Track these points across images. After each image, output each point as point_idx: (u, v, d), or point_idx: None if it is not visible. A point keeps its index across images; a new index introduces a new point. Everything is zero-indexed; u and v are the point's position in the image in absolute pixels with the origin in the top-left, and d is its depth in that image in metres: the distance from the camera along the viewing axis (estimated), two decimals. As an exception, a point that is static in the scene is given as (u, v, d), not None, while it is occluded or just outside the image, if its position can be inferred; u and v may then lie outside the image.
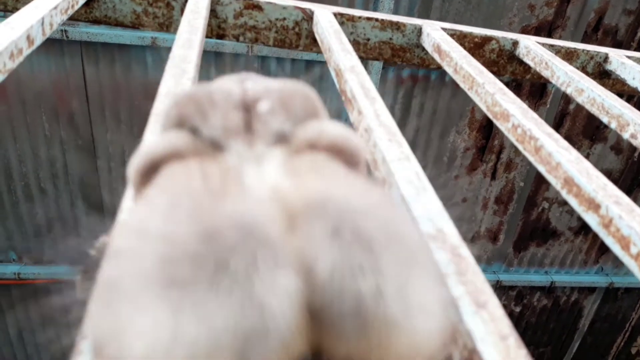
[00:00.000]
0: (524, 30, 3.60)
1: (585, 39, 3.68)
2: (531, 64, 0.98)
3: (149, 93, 3.49)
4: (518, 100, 0.70)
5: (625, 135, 0.72)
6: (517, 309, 5.01)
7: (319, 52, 0.91)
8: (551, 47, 1.05)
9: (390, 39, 1.00)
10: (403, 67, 3.61)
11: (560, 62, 0.91)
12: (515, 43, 1.04)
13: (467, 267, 0.37)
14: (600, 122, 3.98)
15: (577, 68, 1.05)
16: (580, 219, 4.40)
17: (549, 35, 3.66)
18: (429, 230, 0.40)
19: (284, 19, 0.96)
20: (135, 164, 0.27)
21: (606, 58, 1.06)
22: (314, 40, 0.97)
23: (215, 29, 0.95)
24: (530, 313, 5.05)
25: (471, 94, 0.77)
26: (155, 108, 0.51)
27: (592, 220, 0.50)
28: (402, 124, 3.80)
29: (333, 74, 0.73)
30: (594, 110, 0.79)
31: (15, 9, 0.89)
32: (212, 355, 0.17)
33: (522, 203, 4.38)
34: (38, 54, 3.34)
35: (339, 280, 0.19)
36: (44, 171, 3.74)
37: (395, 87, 3.70)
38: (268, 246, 0.19)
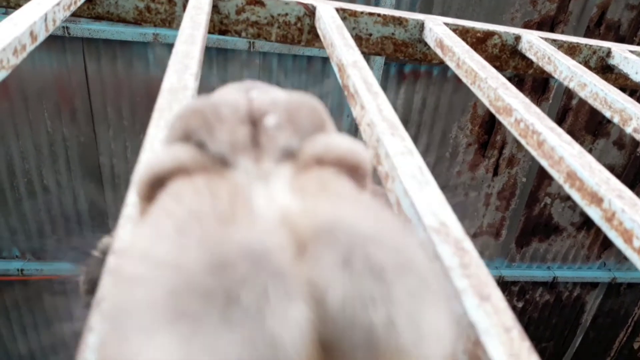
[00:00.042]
0: (526, 25, 3.59)
1: (587, 34, 3.67)
2: (534, 58, 0.98)
3: (151, 89, 3.49)
4: (521, 94, 0.70)
5: (628, 130, 0.72)
6: (520, 305, 5.01)
7: (321, 47, 0.91)
8: (554, 42, 1.05)
9: (393, 34, 1.00)
10: (405, 63, 3.61)
11: (563, 56, 0.91)
12: (517, 38, 1.04)
13: (471, 261, 0.37)
14: (603, 117, 3.97)
15: (580, 63, 1.05)
16: (582, 214, 4.41)
17: (552, 30, 3.65)
18: (433, 223, 0.40)
19: (286, 14, 0.96)
20: (140, 176, 0.27)
21: (609, 53, 1.06)
22: (316, 35, 0.97)
23: (218, 24, 0.95)
24: (532, 308, 5.06)
25: (474, 89, 0.77)
26: (158, 104, 0.51)
27: (594, 214, 0.51)
28: (404, 120, 3.80)
29: (335, 69, 0.73)
30: (596, 105, 0.79)
31: (18, 6, 0.89)
32: None
33: (524, 198, 4.38)
34: (40, 50, 3.34)
35: (350, 311, 0.19)
36: (47, 168, 3.75)
37: (397, 82, 3.70)
38: (279, 277, 0.19)
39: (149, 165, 0.27)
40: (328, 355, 0.20)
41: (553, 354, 5.45)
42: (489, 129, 3.98)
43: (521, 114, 0.64)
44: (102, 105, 3.56)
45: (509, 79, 0.74)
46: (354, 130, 3.84)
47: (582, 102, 3.90)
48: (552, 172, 0.57)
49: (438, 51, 0.92)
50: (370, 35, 1.00)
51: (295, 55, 3.51)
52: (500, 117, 0.69)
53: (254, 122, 0.27)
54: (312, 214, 0.22)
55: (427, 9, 3.45)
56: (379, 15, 0.99)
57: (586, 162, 0.54)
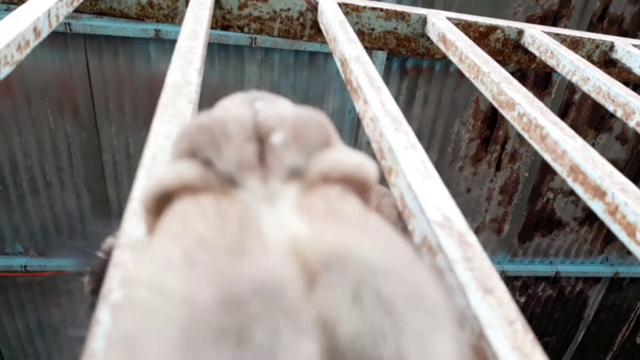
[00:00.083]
0: (529, 20, 3.57)
1: (590, 28, 3.66)
2: (536, 53, 0.98)
3: (153, 85, 3.50)
4: (523, 89, 0.70)
5: (631, 124, 0.72)
6: (522, 299, 5.01)
7: (324, 42, 0.91)
8: (556, 36, 1.04)
9: (395, 28, 1.00)
10: (407, 58, 3.60)
11: (566, 50, 0.91)
12: (520, 32, 1.04)
13: (474, 254, 0.37)
14: (606, 112, 3.96)
15: (583, 57, 1.04)
16: (585, 209, 4.40)
17: (554, 25, 3.64)
18: (436, 217, 0.40)
19: (289, 9, 0.96)
20: (147, 190, 0.27)
21: (612, 47, 1.05)
22: (319, 30, 0.97)
23: (220, 20, 0.95)
24: (535, 303, 5.06)
25: (476, 83, 0.77)
26: (162, 99, 0.51)
27: (597, 207, 0.51)
28: (406, 115, 3.78)
29: (338, 63, 0.73)
30: (599, 99, 0.79)
31: (21, 2, 0.89)
32: None
33: (526, 193, 4.38)
34: (42, 47, 3.34)
35: (360, 346, 0.19)
36: (49, 164, 3.76)
37: (399, 77, 3.69)
38: (290, 314, 0.19)
39: (156, 180, 0.27)
40: None
41: (555, 348, 5.46)
42: (492, 124, 3.97)
43: (524, 108, 0.64)
44: (104, 101, 3.56)
45: (512, 74, 0.74)
46: (355, 126, 3.83)
47: (585, 97, 3.89)
48: (555, 166, 0.57)
49: (441, 46, 0.92)
50: (373, 30, 1.00)
51: (297, 50, 3.50)
52: (503, 112, 0.69)
53: (261, 139, 0.27)
54: (320, 242, 0.22)
55: (430, 4, 3.44)
56: (381, 9, 0.99)
57: (589, 156, 0.54)
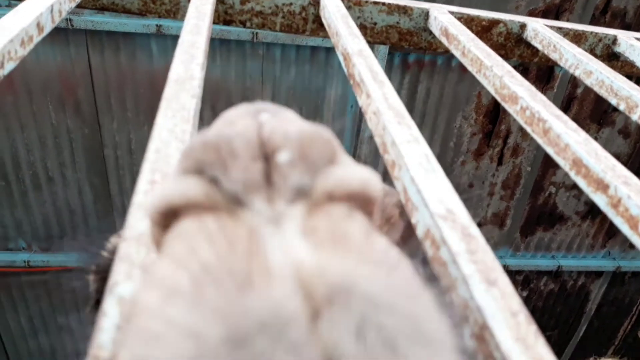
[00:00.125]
0: (531, 14, 3.56)
1: (593, 22, 3.65)
2: (539, 46, 0.98)
3: (155, 81, 3.49)
4: (526, 82, 0.70)
5: (634, 117, 0.72)
6: (524, 294, 5.02)
7: (326, 37, 0.91)
8: (559, 30, 1.04)
9: (397, 22, 1.00)
10: (409, 52, 3.59)
11: (569, 44, 0.90)
12: (522, 26, 1.03)
13: (478, 246, 0.37)
14: (608, 106, 3.95)
15: (586, 50, 1.04)
16: (587, 203, 4.40)
17: (557, 19, 3.63)
18: (440, 211, 0.40)
19: (291, 4, 0.96)
20: (154, 205, 0.28)
21: (615, 40, 1.05)
22: (321, 25, 0.97)
23: (222, 14, 0.95)
24: (537, 297, 5.07)
25: (479, 77, 0.77)
26: (165, 94, 0.51)
27: (600, 200, 0.51)
28: (408, 110, 3.75)
29: (341, 58, 0.73)
30: (602, 92, 0.79)
31: (23, -3, 0.89)
32: None
33: (528, 188, 4.38)
34: (43, 43, 3.34)
35: None
36: (52, 160, 3.76)
37: (401, 72, 3.69)
38: (295, 350, 0.20)
39: (163, 196, 0.27)
40: None
41: (557, 342, 5.47)
42: (494, 118, 3.97)
43: (527, 101, 0.64)
44: (106, 97, 3.56)
45: (514, 68, 0.74)
46: (357, 120, 3.83)
47: (587, 91, 3.88)
48: (557, 159, 0.57)
49: (443, 40, 0.92)
50: (375, 24, 1.00)
51: (299, 45, 3.50)
52: (506, 105, 0.69)
53: (267, 156, 0.27)
54: (324, 272, 0.22)
55: (431, -2, 3.43)
56: (383, 4, 0.98)
57: (592, 149, 0.54)
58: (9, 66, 0.55)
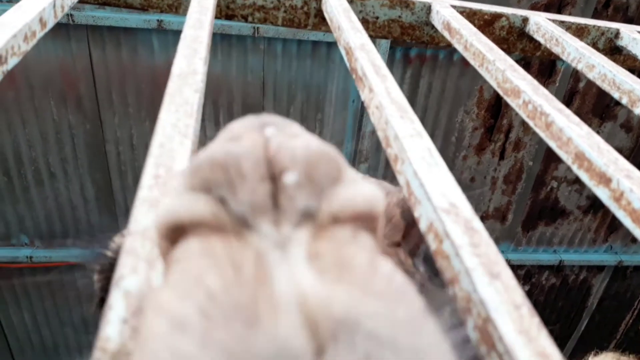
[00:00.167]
0: (534, 8, 3.55)
1: (595, 16, 3.63)
2: (541, 40, 0.97)
3: (156, 76, 3.49)
4: (529, 76, 0.69)
5: (637, 111, 0.72)
6: (526, 288, 5.02)
7: (328, 31, 0.91)
8: (561, 24, 1.04)
9: (399, 16, 1.00)
10: (411, 47, 3.59)
11: (571, 38, 0.90)
12: (525, 20, 1.03)
13: (481, 240, 0.37)
14: (610, 100, 3.94)
15: (588, 44, 1.04)
16: (589, 197, 4.39)
17: (559, 12, 3.61)
18: (442, 204, 0.40)
19: (292, -2, 0.96)
20: (162, 219, 0.28)
21: (617, 34, 1.05)
22: (323, 19, 0.97)
23: (224, 9, 0.95)
24: (538, 292, 5.07)
25: (481, 71, 0.77)
26: (169, 88, 0.51)
27: (603, 194, 0.51)
28: (409, 104, 3.77)
29: (343, 52, 0.73)
30: (604, 86, 0.79)
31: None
32: None
33: (530, 182, 4.37)
34: (44, 38, 3.32)
35: None
36: (53, 155, 3.77)
37: (403, 66, 3.68)
38: None
39: (172, 212, 0.28)
40: None
41: (559, 336, 5.48)
42: (495, 112, 3.96)
43: (529, 95, 0.64)
44: (108, 92, 3.56)
45: (516, 62, 0.74)
46: (359, 115, 3.83)
47: (589, 85, 3.87)
48: (560, 153, 0.58)
49: (445, 34, 0.92)
50: (377, 18, 0.99)
51: (300, 40, 3.49)
52: (508, 99, 0.69)
53: (274, 177, 0.28)
54: (329, 306, 0.23)
55: (433, -8, 3.42)
56: (385, -2, 0.98)
57: (594, 143, 0.54)
58: (13, 61, 0.55)
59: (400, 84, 3.72)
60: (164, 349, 0.21)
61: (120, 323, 0.29)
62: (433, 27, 1.00)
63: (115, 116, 3.66)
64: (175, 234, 0.28)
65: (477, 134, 4.05)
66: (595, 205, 4.52)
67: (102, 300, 0.69)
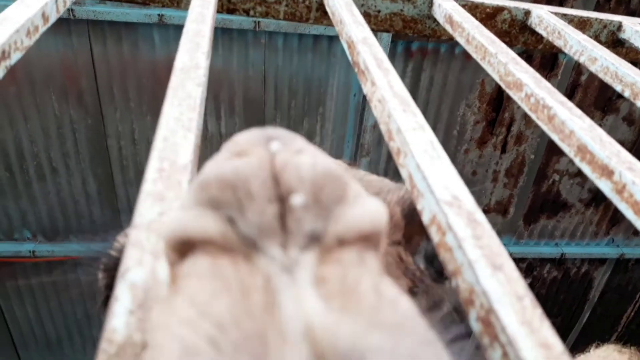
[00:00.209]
0: (535, 1, 3.53)
1: (597, 9, 3.62)
2: (544, 33, 0.97)
3: (157, 71, 3.49)
4: (531, 69, 0.69)
5: (639, 104, 0.72)
6: (527, 281, 5.02)
7: (330, 25, 0.91)
8: (564, 17, 1.04)
9: (401, 10, 1.00)
10: (412, 40, 3.58)
11: (573, 31, 0.90)
12: (527, 13, 1.03)
13: (483, 232, 0.38)
14: (612, 93, 3.93)
15: (590, 37, 1.04)
16: (591, 190, 4.39)
17: (561, 5, 3.60)
18: (445, 197, 0.41)
19: (294, -8, 0.96)
20: (172, 233, 0.29)
21: (620, 26, 1.05)
22: (325, 13, 0.97)
23: (226, 3, 0.95)
24: (540, 285, 5.08)
25: (483, 64, 0.77)
26: (171, 82, 0.51)
27: (605, 186, 0.51)
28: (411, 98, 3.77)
29: (345, 46, 0.73)
30: (607, 79, 0.79)
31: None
32: None
33: (532, 175, 4.37)
34: (46, 33, 3.32)
35: None
36: (55, 150, 3.77)
37: (404, 60, 3.67)
38: None
39: (182, 227, 0.28)
40: None
41: (561, 329, 5.49)
42: (497, 106, 3.95)
43: (531, 88, 0.64)
44: (109, 87, 3.56)
45: (518, 55, 0.74)
46: (360, 109, 3.82)
47: (591, 79, 3.86)
48: (562, 146, 0.58)
49: (447, 27, 0.92)
50: (379, 11, 0.99)
51: (301, 34, 3.48)
52: (511, 92, 0.69)
53: (282, 198, 0.28)
54: (335, 337, 0.23)
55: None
56: (387, -9, 0.98)
57: (597, 135, 0.54)
58: (16, 56, 0.55)
59: (402, 77, 3.71)
60: None
61: (126, 314, 0.30)
62: (435, 20, 1.00)
63: (116, 111, 3.66)
64: (184, 247, 0.29)
65: (479, 127, 4.04)
66: (597, 198, 4.52)
67: (107, 299, 0.70)
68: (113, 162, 3.89)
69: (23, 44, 0.58)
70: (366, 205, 0.30)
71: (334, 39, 3.53)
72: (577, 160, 0.55)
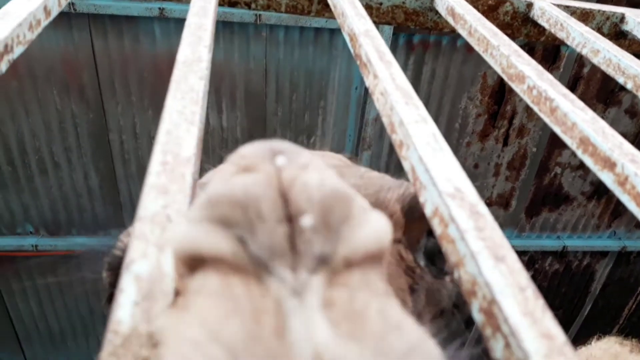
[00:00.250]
0: (537, -8, 3.52)
1: (600, 0, 3.60)
2: (546, 25, 0.97)
3: (158, 65, 3.48)
4: (533, 61, 0.69)
5: (641, 95, 0.72)
6: (529, 274, 5.03)
7: (331, 17, 0.91)
8: (566, 8, 1.03)
9: (403, 2, 0.99)
10: (414, 33, 3.57)
11: (576, 23, 0.90)
12: (529, 5, 1.03)
13: (486, 224, 0.38)
14: (615, 86, 3.92)
15: (593, 29, 1.03)
16: (592, 183, 4.38)
17: (563, -3, 3.58)
18: (448, 189, 0.41)
19: (296, -16, 0.95)
20: (181, 248, 0.29)
21: (622, 18, 1.04)
22: (326, 5, 0.96)
23: (227, -4, 0.94)
24: (542, 277, 5.09)
25: (486, 57, 0.77)
26: (174, 76, 0.51)
27: (607, 178, 0.51)
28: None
29: (347, 38, 0.73)
30: (609, 71, 0.79)
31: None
32: None
33: (534, 168, 4.37)
34: (46, 27, 3.31)
35: None
36: (57, 145, 3.78)
37: (406, 53, 3.66)
38: None
39: (192, 241, 0.29)
40: None
41: (562, 322, 5.48)
42: (499, 99, 3.94)
43: (534, 80, 0.64)
44: (110, 81, 3.56)
45: (520, 48, 0.74)
46: (362, 102, 3.82)
47: (594, 71, 3.85)
48: (564, 138, 0.58)
49: (449, 19, 0.92)
50: (381, 4, 0.99)
51: (303, 27, 3.47)
52: (513, 85, 0.69)
53: (290, 218, 0.29)
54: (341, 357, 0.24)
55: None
56: (388, -17, 0.98)
57: (599, 127, 0.54)
58: (18, 50, 0.55)
59: (404, 70, 3.69)
60: None
61: (131, 306, 0.30)
62: (437, 12, 0.99)
63: (118, 105, 3.66)
64: (193, 261, 0.29)
65: (481, 120, 4.04)
66: (599, 191, 4.52)
67: (112, 296, 0.71)
68: (115, 157, 3.90)
69: (25, 37, 0.58)
70: (372, 224, 0.31)
71: (335, 32, 3.52)
72: (579, 153, 0.55)
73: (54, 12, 0.66)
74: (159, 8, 3.23)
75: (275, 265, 0.27)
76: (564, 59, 3.78)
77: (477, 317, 0.34)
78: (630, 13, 1.03)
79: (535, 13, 1.01)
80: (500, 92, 3.90)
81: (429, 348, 0.27)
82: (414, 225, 0.67)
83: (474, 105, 3.95)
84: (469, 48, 3.63)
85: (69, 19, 3.29)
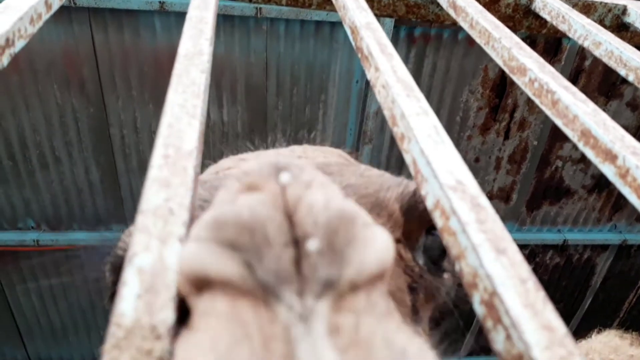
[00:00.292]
0: (539, -15, 3.50)
1: (601, -8, 3.58)
2: (547, 17, 0.97)
3: (158, 58, 3.48)
4: (535, 54, 0.69)
5: (643, 88, 0.72)
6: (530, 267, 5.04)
7: (332, 10, 0.91)
8: (568, 1, 1.03)
9: (404, -5, 0.99)
10: (415, 26, 3.56)
11: (578, 15, 0.89)
12: (531, -3, 1.02)
13: (487, 216, 0.38)
14: (616, 79, 3.91)
15: (595, 21, 1.03)
16: (593, 176, 4.38)
17: (565, -11, 3.57)
18: (449, 181, 0.41)
19: (296, -23, 0.95)
20: (188, 269, 0.30)
21: (624, 10, 1.04)
22: (327, -2, 0.96)
23: (228, -11, 0.94)
24: (542, 271, 5.09)
25: (487, 49, 0.77)
26: (175, 69, 0.51)
27: (608, 171, 0.51)
28: (413, 85, 3.75)
29: (348, 31, 0.73)
30: (611, 64, 0.78)
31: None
32: None
33: (535, 162, 4.36)
34: (47, 21, 3.30)
35: None
36: (58, 139, 3.78)
37: (407, 46, 3.65)
38: None
39: (200, 263, 0.29)
40: None
41: (563, 315, 5.44)
42: (500, 92, 3.94)
43: (535, 73, 0.64)
44: (111, 75, 3.56)
45: (522, 40, 0.73)
46: (362, 95, 3.81)
47: (595, 64, 3.84)
48: (566, 130, 0.58)
49: (451, 12, 0.91)
50: (382, -3, 0.99)
51: (303, 20, 3.46)
52: (514, 77, 0.68)
53: (297, 241, 0.29)
54: None
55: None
56: (389, -24, 0.97)
57: (600, 120, 0.54)
58: (20, 44, 0.55)
59: (405, 63, 3.66)
60: None
61: (134, 299, 0.30)
62: (438, 5, 0.99)
63: (118, 99, 3.66)
64: (200, 282, 0.30)
65: (482, 113, 4.03)
66: (600, 184, 4.51)
67: (115, 294, 0.71)
68: (115, 151, 3.90)
69: (27, 31, 0.58)
70: (376, 243, 0.31)
71: (336, 25, 3.51)
72: (580, 145, 0.55)
73: (55, 6, 0.66)
74: (159, 2, 3.22)
75: (282, 290, 0.28)
76: (565, 51, 3.77)
77: (478, 309, 0.34)
78: (632, 5, 1.03)
79: (537, 5, 1.01)
80: (502, 85, 3.90)
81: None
82: (412, 224, 0.67)
83: (475, 99, 3.94)
84: (470, 41, 3.62)
85: (69, 13, 3.28)
